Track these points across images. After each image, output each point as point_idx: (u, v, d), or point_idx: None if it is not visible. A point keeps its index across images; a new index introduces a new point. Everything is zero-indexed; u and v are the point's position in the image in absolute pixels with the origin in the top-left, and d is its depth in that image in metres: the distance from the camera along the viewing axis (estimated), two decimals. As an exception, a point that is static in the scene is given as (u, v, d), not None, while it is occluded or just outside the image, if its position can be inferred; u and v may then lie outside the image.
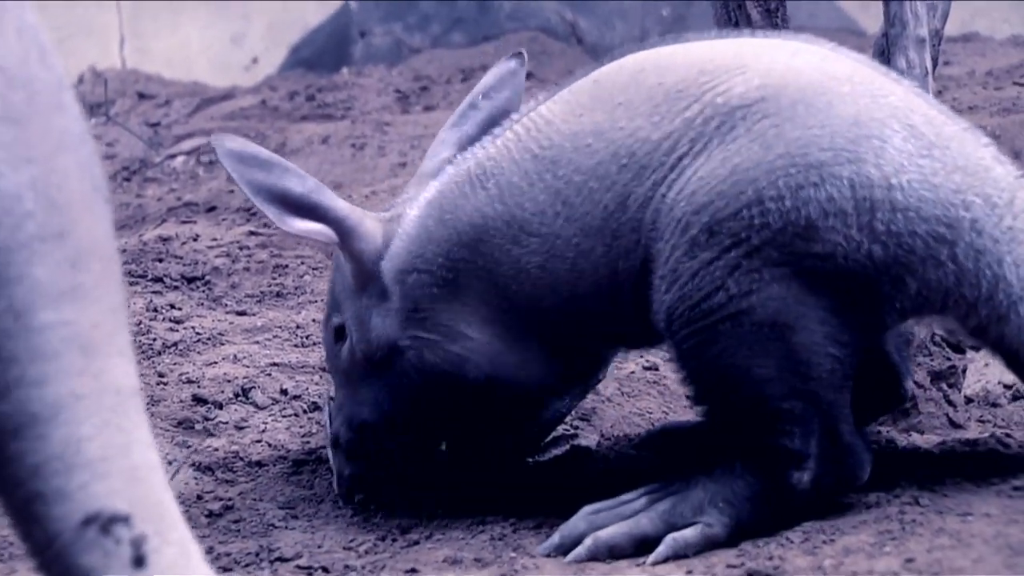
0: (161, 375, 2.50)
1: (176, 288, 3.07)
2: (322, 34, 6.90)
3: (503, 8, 6.70)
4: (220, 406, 2.41)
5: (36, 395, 1.09)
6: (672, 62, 1.85)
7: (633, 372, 2.52)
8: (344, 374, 2.08)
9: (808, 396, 1.73)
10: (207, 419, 2.37)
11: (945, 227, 1.72)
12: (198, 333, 2.73)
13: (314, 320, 2.84)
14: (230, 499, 2.10)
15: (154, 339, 2.68)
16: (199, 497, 2.11)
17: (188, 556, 1.15)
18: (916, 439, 2.14)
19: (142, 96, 5.82)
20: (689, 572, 1.66)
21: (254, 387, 2.46)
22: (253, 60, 6.78)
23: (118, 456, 1.12)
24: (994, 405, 2.32)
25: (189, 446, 2.27)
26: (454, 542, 1.90)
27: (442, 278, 1.93)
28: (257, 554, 1.89)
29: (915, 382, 2.21)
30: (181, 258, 3.28)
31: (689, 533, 1.74)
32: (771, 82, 1.78)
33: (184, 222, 3.66)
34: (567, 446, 2.23)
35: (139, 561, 1.11)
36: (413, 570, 1.78)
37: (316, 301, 2.98)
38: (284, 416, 2.39)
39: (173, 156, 4.68)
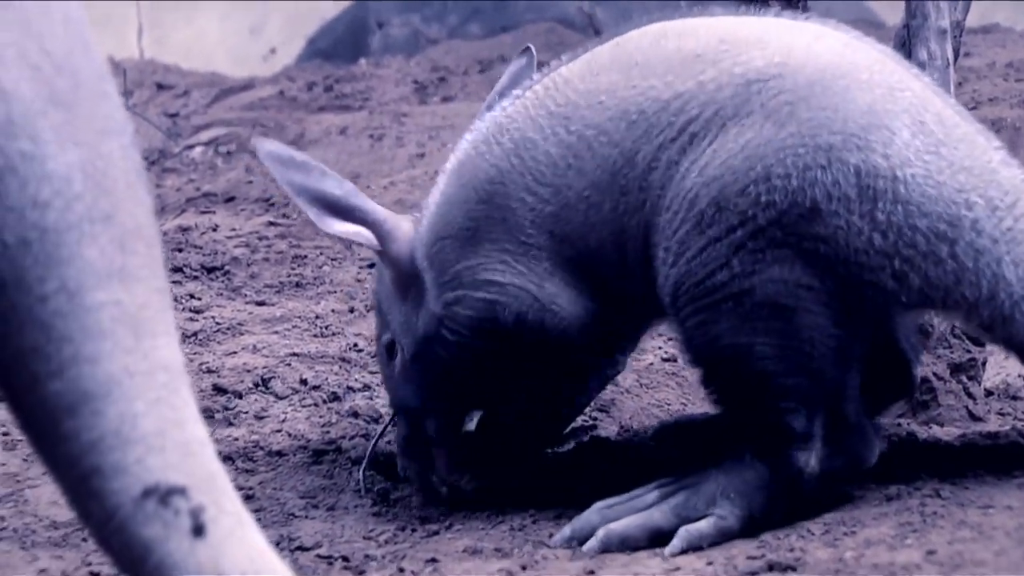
0: (181, 365, 2.51)
1: (196, 278, 3.08)
2: (340, 25, 6.91)
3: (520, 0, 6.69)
4: (240, 396, 2.42)
5: (89, 373, 1.11)
6: (695, 30, 1.86)
7: (652, 364, 2.52)
8: (400, 390, 2.09)
9: (811, 376, 1.74)
10: (227, 409, 2.38)
11: (946, 224, 1.73)
12: (218, 323, 2.74)
13: (333, 310, 2.84)
14: (250, 488, 2.11)
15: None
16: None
17: (244, 525, 1.17)
18: (936, 432, 2.14)
19: (160, 87, 5.83)
20: (709, 563, 1.66)
21: (274, 377, 2.47)
22: (271, 51, 6.79)
23: (172, 430, 1.14)
24: (1014, 398, 2.31)
25: (209, 435, 2.27)
26: (474, 532, 1.90)
27: (462, 237, 1.94)
28: (278, 543, 1.89)
29: (935, 374, 2.21)
30: (200, 248, 3.28)
31: (703, 525, 1.74)
32: (791, 60, 1.78)
33: (203, 212, 3.67)
34: (586, 437, 2.23)
35: (198, 530, 1.13)
36: (433, 560, 1.78)
37: (335, 291, 2.99)
38: (304, 406, 2.40)
39: (192, 146, 4.69)
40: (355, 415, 2.38)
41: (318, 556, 1.84)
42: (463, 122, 4.39)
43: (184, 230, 3.44)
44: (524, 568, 1.72)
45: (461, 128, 4.49)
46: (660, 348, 2.53)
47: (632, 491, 1.84)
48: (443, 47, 6.37)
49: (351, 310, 2.85)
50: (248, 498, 2.08)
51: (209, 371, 2.49)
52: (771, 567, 1.60)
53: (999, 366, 2.51)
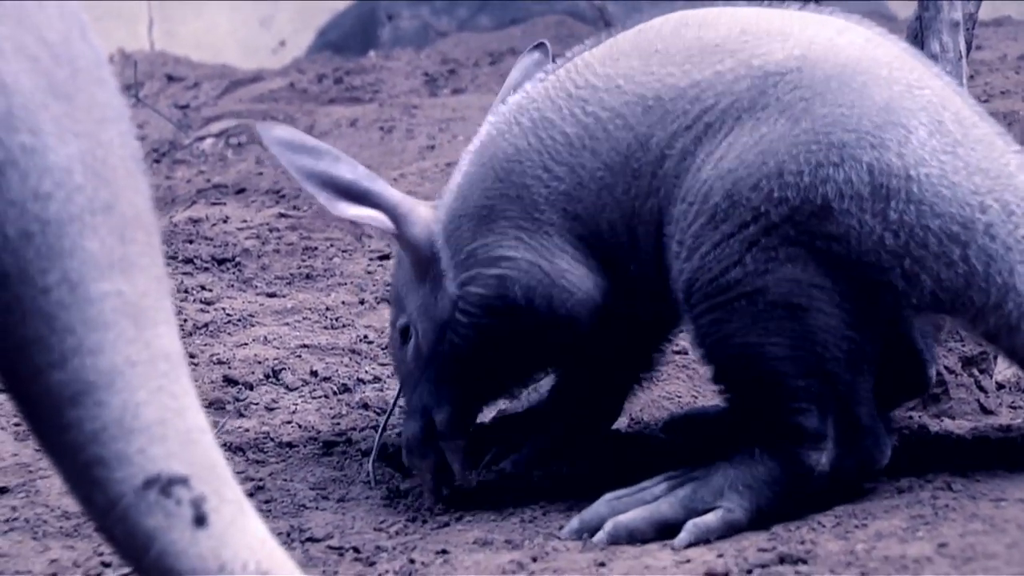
0: (192, 356, 2.51)
1: (207, 270, 3.08)
2: (349, 17, 6.90)
3: (531, -9, 6.68)
4: (251, 387, 2.42)
5: (91, 363, 1.12)
6: (717, 20, 1.86)
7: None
8: (411, 375, 2.09)
9: (824, 376, 1.74)
10: (238, 400, 2.38)
11: (959, 226, 1.71)
12: (228, 314, 2.74)
13: (343, 302, 2.84)
14: (261, 480, 2.11)
15: (185, 320, 2.69)
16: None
17: (245, 514, 1.18)
18: (948, 424, 2.14)
19: (171, 78, 5.83)
20: (720, 555, 1.66)
21: (284, 368, 2.47)
22: (281, 43, 6.79)
23: (174, 420, 1.15)
24: (1025, 391, 2.31)
25: (220, 426, 2.28)
26: (484, 524, 1.90)
27: (479, 215, 1.94)
28: (288, 534, 1.89)
29: (946, 367, 2.20)
30: (211, 240, 3.28)
31: (710, 518, 1.74)
32: (810, 54, 1.77)
33: (214, 204, 3.67)
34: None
35: (200, 520, 1.14)
36: (444, 551, 1.78)
37: (345, 283, 2.99)
38: (314, 397, 2.40)
39: (202, 138, 4.69)
40: (365, 407, 2.38)
41: (329, 547, 1.85)
42: (473, 114, 4.41)
43: (195, 222, 3.44)
44: (535, 559, 1.72)
45: (471, 120, 4.51)
46: (670, 340, 2.52)
47: (641, 483, 1.83)
48: (453, 39, 6.37)
49: (361, 302, 2.85)
50: (258, 489, 2.08)
51: (220, 362, 2.49)
52: (782, 559, 1.60)
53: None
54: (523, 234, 1.91)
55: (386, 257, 3.14)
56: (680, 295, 1.80)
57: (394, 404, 2.21)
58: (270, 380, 2.45)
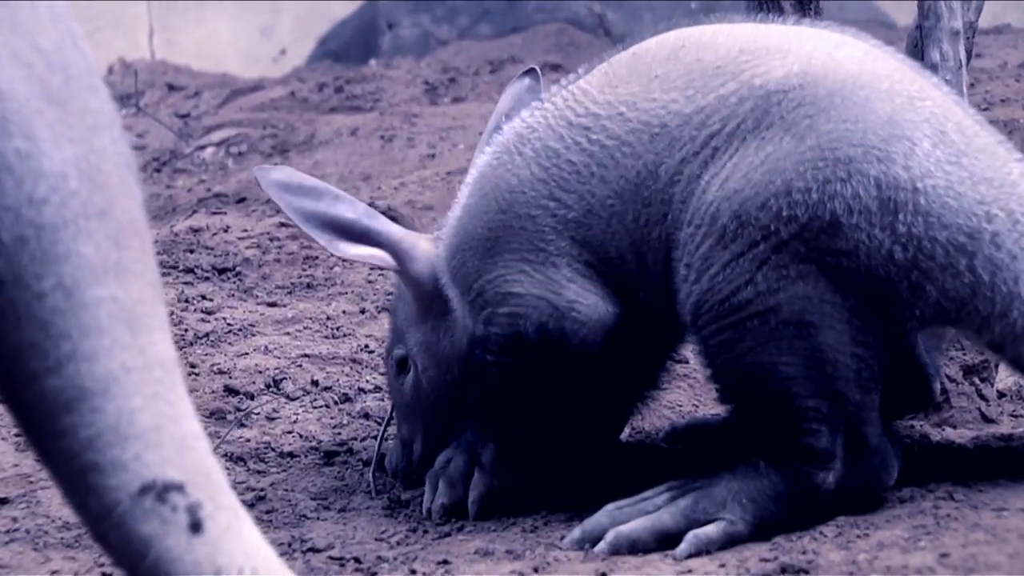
0: (193, 366, 2.51)
1: (207, 279, 3.08)
2: (350, 26, 6.91)
3: (531, 1, 6.69)
4: (251, 397, 2.42)
5: (86, 369, 1.12)
6: (713, 41, 1.85)
7: (663, 365, 2.51)
8: (408, 407, 2.09)
9: (834, 396, 1.73)
10: (239, 410, 2.38)
11: (966, 236, 1.71)
12: (229, 324, 2.74)
13: (344, 312, 2.84)
14: (262, 490, 2.11)
15: (186, 330, 2.69)
16: (231, 488, 2.11)
17: (240, 520, 1.18)
18: (949, 434, 2.13)
19: (171, 87, 5.83)
20: (722, 566, 1.66)
21: (285, 378, 2.47)
22: (281, 52, 6.79)
23: (169, 426, 1.15)
24: (1027, 400, 2.30)
25: (220, 436, 2.28)
26: (485, 534, 1.90)
27: (483, 248, 1.93)
28: (290, 544, 1.89)
29: (947, 376, 2.20)
30: (212, 249, 3.28)
31: (712, 530, 1.74)
32: (811, 70, 1.77)
33: (214, 213, 3.67)
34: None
35: (196, 527, 1.14)
36: (445, 561, 1.78)
37: (346, 293, 2.99)
38: (315, 407, 2.40)
39: (203, 147, 4.69)
40: (366, 416, 2.38)
41: (330, 558, 1.84)
42: (474, 123, 4.41)
43: (195, 231, 3.44)
44: (536, 570, 1.72)
45: (472, 128, 4.51)
46: (675, 359, 2.52)
47: (643, 493, 1.83)
48: (453, 48, 6.37)
49: (362, 311, 2.85)
50: (259, 499, 2.08)
51: (220, 372, 2.49)
52: (784, 570, 1.60)
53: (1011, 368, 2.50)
54: (528, 267, 1.90)
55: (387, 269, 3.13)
56: (688, 318, 1.79)
57: (391, 414, 2.21)
58: (271, 390, 2.45)
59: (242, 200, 3.86)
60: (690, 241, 1.78)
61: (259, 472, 2.19)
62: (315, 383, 2.46)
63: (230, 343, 2.65)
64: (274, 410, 2.38)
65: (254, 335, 2.69)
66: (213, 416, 2.35)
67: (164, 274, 3.06)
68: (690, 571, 1.66)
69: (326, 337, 2.69)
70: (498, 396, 1.96)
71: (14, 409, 1.15)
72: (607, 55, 1.96)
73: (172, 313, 2.75)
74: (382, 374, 2.51)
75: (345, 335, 2.70)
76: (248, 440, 2.28)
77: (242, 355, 2.57)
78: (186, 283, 3.03)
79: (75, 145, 1.13)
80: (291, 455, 2.23)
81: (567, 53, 5.96)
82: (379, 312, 2.83)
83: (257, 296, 2.98)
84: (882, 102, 1.75)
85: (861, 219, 1.71)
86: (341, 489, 2.12)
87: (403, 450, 2.12)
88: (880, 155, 1.72)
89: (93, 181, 1.13)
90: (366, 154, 4.33)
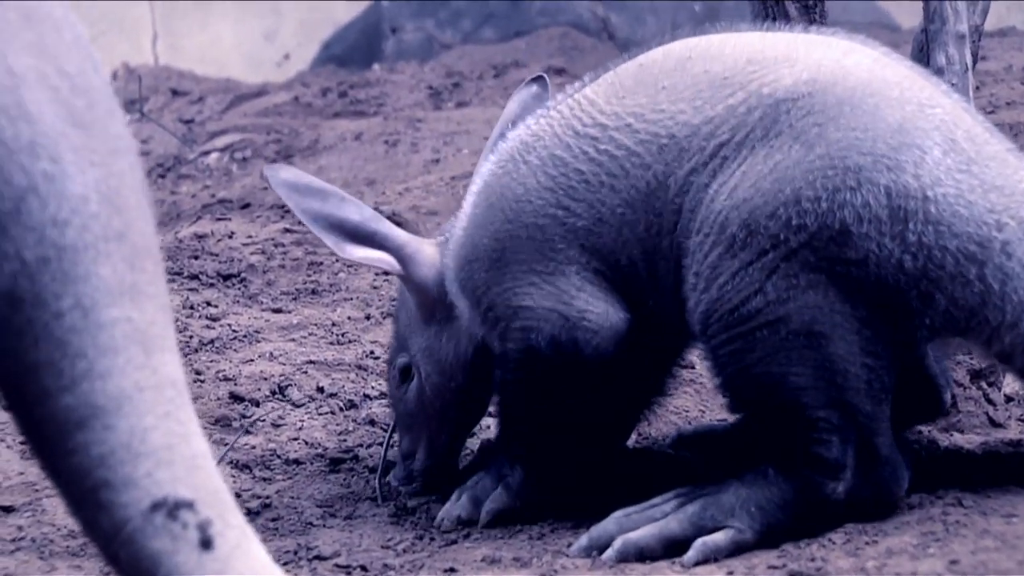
0: (198, 372, 2.51)
1: (212, 285, 3.08)
2: (353, 30, 6.91)
3: (534, 4, 6.69)
4: (257, 404, 2.42)
5: (100, 387, 1.14)
6: (720, 51, 1.84)
7: (669, 370, 2.50)
8: (410, 416, 2.09)
9: (845, 406, 1.72)
10: (244, 417, 2.37)
11: (976, 245, 1.70)
12: (234, 331, 2.73)
13: (349, 318, 2.84)
14: (268, 497, 2.10)
15: (191, 336, 2.68)
16: (237, 495, 2.10)
17: (249, 538, 1.20)
18: (958, 439, 2.13)
19: (175, 93, 5.83)
20: (730, 573, 1.65)
21: (291, 385, 2.46)
22: (285, 56, 6.79)
23: (179, 445, 1.17)
24: (1034, 404, 2.30)
25: (226, 444, 2.27)
26: (492, 541, 1.89)
27: (491, 259, 1.93)
28: (296, 552, 1.89)
29: (955, 380, 2.19)
30: (217, 255, 3.28)
31: (720, 537, 1.73)
32: (820, 78, 1.76)
33: (219, 219, 3.67)
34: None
35: (206, 544, 1.16)
36: (452, 569, 1.78)
37: (351, 299, 2.99)
38: (320, 414, 2.40)
39: (207, 153, 4.69)
40: (372, 423, 2.37)
41: (336, 565, 1.84)
42: (478, 127, 4.40)
43: (200, 237, 3.43)
44: (543, 578, 1.71)
45: (476, 133, 4.51)
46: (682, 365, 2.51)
47: (650, 500, 1.82)
48: (457, 52, 6.37)
49: (367, 317, 2.85)
50: (265, 507, 2.07)
51: (226, 379, 2.49)
52: (792, 577, 1.59)
53: (1019, 372, 2.49)
54: (537, 278, 1.90)
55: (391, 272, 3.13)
56: (697, 327, 1.79)
57: (393, 427, 2.20)
58: (276, 396, 2.44)
59: (247, 206, 3.86)
60: (699, 250, 1.77)
61: (265, 479, 2.18)
62: (320, 390, 2.46)
63: (235, 350, 2.64)
64: (280, 417, 2.38)
65: (259, 341, 2.68)
66: (218, 423, 2.35)
67: (169, 280, 3.04)
68: (698, 578, 1.66)
69: (331, 343, 2.69)
70: (521, 416, 1.96)
71: (25, 426, 1.17)
72: (612, 64, 1.95)
73: (177, 320, 2.75)
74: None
75: (350, 341, 2.70)
76: (254, 447, 2.27)
77: (247, 362, 2.57)
78: (191, 290, 3.02)
79: (97, 168, 1.15)
80: (297, 462, 2.23)
81: (571, 57, 5.96)
82: (384, 318, 2.82)
83: (262, 302, 2.98)
84: (892, 110, 1.74)
85: (871, 228, 1.70)
86: (347, 496, 2.11)
87: (404, 463, 2.11)
88: (890, 163, 1.71)
89: (112, 204, 1.16)
90: (370, 159, 4.33)
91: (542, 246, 1.89)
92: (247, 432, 2.33)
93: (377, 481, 2.13)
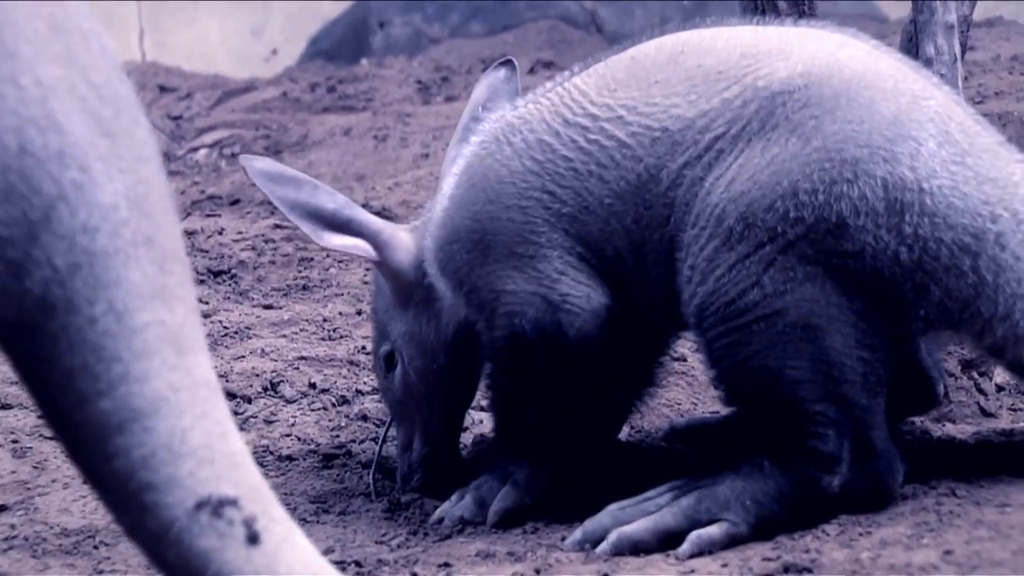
0: (189, 369, 2.50)
1: (202, 282, 3.07)
2: (341, 25, 6.90)
3: (522, -3, 6.69)
4: (249, 400, 2.41)
5: (138, 390, 1.15)
6: (713, 45, 1.84)
7: (661, 363, 2.50)
8: (400, 404, 2.09)
9: (841, 400, 1.72)
10: (236, 413, 2.37)
11: (971, 237, 1.71)
12: (225, 327, 2.73)
13: (340, 313, 2.83)
14: (261, 494, 2.10)
15: (182, 333, 2.67)
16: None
17: (294, 532, 1.21)
18: (950, 429, 2.13)
19: (163, 89, 5.82)
20: (724, 565, 1.65)
21: (282, 381, 2.46)
22: (272, 52, 6.78)
23: (218, 443, 1.18)
24: (1025, 394, 2.30)
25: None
26: (486, 536, 1.89)
27: (470, 240, 1.93)
28: (290, 549, 1.88)
29: (946, 370, 2.20)
30: (207, 252, 3.27)
31: (714, 530, 1.73)
32: (815, 70, 1.76)
33: (209, 215, 3.66)
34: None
35: (253, 539, 1.17)
36: (446, 564, 1.77)
37: (342, 294, 2.98)
38: (313, 410, 2.39)
39: (196, 149, 4.68)
40: (364, 418, 2.37)
41: (330, 561, 1.83)
42: (467, 122, 4.39)
43: (190, 234, 3.43)
44: (538, 572, 1.71)
45: (466, 128, 4.47)
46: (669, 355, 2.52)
47: (644, 493, 1.83)
48: (445, 46, 6.37)
49: (359, 312, 2.84)
50: (259, 503, 2.07)
51: (217, 376, 2.47)
52: (786, 569, 1.59)
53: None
54: (519, 261, 1.90)
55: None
56: (692, 320, 1.78)
57: (390, 423, 2.20)
58: (268, 393, 2.44)
59: (236, 202, 3.85)
60: (694, 243, 1.77)
61: (258, 476, 2.18)
62: (313, 385, 2.46)
63: (226, 346, 2.64)
64: (272, 413, 2.37)
65: (250, 338, 2.68)
66: (211, 420, 2.34)
67: (159, 277, 3.04)
68: (692, 571, 1.66)
69: (323, 339, 2.68)
70: (517, 408, 1.96)
71: (61, 433, 1.18)
72: (602, 55, 1.95)
73: (168, 317, 2.74)
74: (380, 376, 2.50)
75: (342, 337, 2.70)
76: (246, 444, 2.26)
77: (239, 358, 2.56)
78: (181, 286, 3.01)
79: (125, 176, 1.17)
80: (290, 458, 2.23)
81: (559, 50, 5.96)
82: (375, 313, 2.82)
83: (253, 298, 2.97)
84: (887, 102, 1.74)
85: (868, 220, 1.70)
86: (340, 492, 2.11)
87: (403, 455, 2.11)
88: (886, 155, 1.71)
89: (140, 210, 1.17)
90: (360, 154, 4.32)
91: (524, 228, 1.89)
92: (239, 429, 2.32)
93: (371, 477, 2.13)
